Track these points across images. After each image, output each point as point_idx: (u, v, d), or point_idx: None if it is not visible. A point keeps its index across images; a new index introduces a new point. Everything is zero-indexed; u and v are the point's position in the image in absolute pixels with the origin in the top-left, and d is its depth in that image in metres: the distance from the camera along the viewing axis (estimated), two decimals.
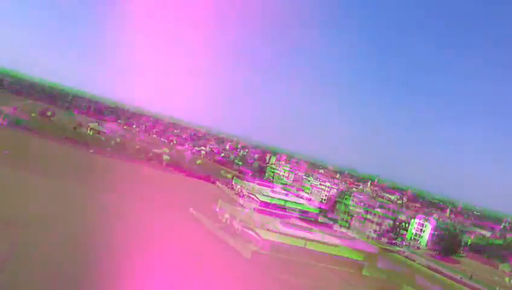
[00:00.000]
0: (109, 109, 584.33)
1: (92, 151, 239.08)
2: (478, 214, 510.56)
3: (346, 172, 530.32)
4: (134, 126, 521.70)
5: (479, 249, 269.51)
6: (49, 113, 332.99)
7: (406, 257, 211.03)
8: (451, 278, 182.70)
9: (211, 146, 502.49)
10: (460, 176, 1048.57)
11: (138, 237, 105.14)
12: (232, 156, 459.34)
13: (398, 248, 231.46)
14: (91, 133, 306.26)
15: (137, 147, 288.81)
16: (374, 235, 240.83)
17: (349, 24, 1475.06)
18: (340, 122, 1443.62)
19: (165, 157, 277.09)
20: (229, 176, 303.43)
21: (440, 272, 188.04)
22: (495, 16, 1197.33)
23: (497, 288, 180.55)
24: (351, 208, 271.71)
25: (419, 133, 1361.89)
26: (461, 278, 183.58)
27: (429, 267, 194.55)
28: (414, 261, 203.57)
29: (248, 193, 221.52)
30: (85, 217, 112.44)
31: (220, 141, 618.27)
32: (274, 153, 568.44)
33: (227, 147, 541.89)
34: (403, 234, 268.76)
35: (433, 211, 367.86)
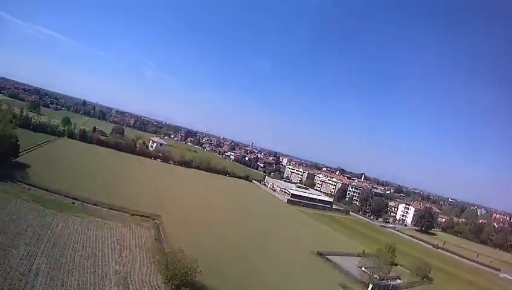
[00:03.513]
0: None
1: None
2: (449, 203, 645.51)
3: (338, 172, 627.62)
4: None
5: (450, 227, 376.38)
6: None
7: (398, 230, 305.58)
8: (430, 244, 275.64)
9: (235, 152, 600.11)
10: (436, 172, 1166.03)
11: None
12: (250, 159, 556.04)
13: (390, 225, 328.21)
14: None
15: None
16: (372, 217, 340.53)
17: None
18: (327, 128, 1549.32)
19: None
20: (259, 176, 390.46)
21: (422, 240, 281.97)
22: None
23: (458, 249, 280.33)
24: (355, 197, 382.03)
25: (392, 135, 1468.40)
26: (437, 244, 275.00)
27: (413, 237, 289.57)
28: (404, 233, 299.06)
29: (280, 188, 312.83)
30: None
31: (236, 146, 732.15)
32: (281, 157, 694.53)
33: (245, 152, 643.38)
34: (393, 216, 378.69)
35: (414, 200, 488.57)
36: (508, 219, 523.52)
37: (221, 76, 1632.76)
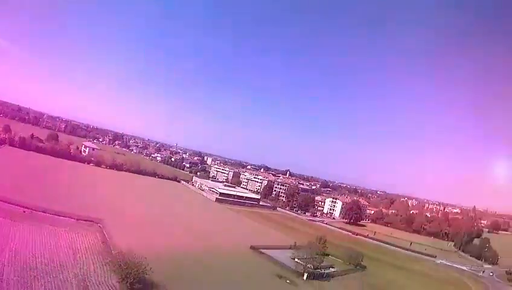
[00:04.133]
0: None
1: None
2: (378, 195, 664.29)
3: (262, 169, 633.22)
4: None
5: (379, 218, 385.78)
6: None
7: (326, 223, 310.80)
8: (360, 235, 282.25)
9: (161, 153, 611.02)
10: (363, 166, 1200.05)
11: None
12: (176, 159, 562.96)
13: (319, 219, 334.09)
14: None
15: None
16: (299, 211, 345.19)
17: None
18: (252, 127, 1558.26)
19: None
20: (186, 176, 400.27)
21: (352, 232, 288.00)
22: None
23: (390, 239, 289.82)
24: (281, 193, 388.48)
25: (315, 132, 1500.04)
26: (367, 235, 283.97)
27: (343, 229, 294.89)
28: (332, 225, 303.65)
29: (208, 187, 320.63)
30: None
31: (161, 147, 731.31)
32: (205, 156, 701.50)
33: (170, 153, 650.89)
34: (321, 210, 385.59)
35: (341, 194, 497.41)
36: (441, 208, 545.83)
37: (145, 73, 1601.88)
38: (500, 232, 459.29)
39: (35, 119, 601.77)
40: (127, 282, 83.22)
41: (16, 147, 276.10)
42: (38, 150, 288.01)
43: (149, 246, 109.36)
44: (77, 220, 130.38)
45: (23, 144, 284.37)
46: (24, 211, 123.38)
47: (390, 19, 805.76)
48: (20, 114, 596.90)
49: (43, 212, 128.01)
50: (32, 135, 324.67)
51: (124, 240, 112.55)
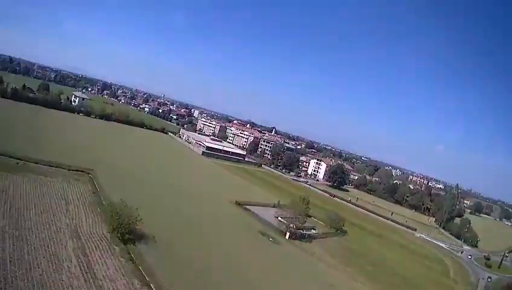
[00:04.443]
0: None
1: None
2: (362, 161, 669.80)
3: (248, 125, 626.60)
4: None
5: (363, 185, 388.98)
6: None
7: (310, 185, 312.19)
8: (342, 199, 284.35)
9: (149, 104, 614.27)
10: (350, 131, 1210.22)
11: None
12: (163, 111, 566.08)
13: (302, 179, 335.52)
14: None
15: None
16: (284, 170, 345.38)
17: None
18: (240, 82, 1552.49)
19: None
20: (173, 128, 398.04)
21: (334, 196, 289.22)
22: None
23: (372, 207, 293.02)
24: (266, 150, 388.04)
25: (308, 92, 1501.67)
26: (350, 200, 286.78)
27: (326, 192, 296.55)
28: (316, 187, 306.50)
29: (195, 140, 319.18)
30: None
31: (149, 98, 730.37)
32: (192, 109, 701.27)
33: (157, 104, 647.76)
34: (305, 170, 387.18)
35: (325, 156, 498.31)
36: (425, 182, 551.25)
37: (135, 28, 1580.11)
38: (482, 215, 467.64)
39: (26, 69, 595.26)
40: (118, 232, 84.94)
41: (7, 98, 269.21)
42: (30, 100, 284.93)
43: (138, 198, 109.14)
44: (69, 170, 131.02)
45: (15, 95, 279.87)
46: (17, 163, 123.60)
47: None
48: (11, 65, 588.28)
49: (36, 163, 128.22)
50: (24, 85, 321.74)
51: (114, 190, 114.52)
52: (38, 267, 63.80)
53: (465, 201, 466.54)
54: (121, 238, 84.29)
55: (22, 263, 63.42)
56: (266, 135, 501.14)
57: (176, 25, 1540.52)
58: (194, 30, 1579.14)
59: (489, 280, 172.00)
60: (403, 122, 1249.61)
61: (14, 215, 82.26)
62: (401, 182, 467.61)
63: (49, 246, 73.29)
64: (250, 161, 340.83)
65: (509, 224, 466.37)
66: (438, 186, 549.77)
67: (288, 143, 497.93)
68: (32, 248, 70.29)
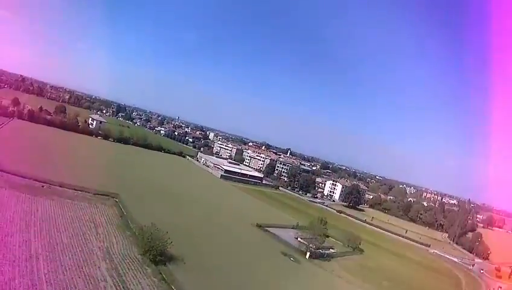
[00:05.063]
0: None
1: None
2: (376, 180, 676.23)
3: (264, 146, 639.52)
4: None
5: (378, 204, 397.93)
6: None
7: (326, 205, 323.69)
8: (358, 219, 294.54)
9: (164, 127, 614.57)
10: (364, 150, 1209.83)
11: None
12: (179, 134, 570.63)
13: (319, 200, 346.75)
14: None
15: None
16: (300, 192, 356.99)
17: None
18: (252, 102, 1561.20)
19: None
20: (190, 151, 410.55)
21: (351, 216, 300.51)
22: None
23: (387, 225, 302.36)
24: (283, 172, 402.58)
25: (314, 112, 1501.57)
26: (365, 220, 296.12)
27: (342, 212, 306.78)
28: (332, 208, 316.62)
29: (213, 164, 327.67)
30: None
31: (163, 120, 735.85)
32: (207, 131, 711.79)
33: (173, 126, 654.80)
34: (321, 191, 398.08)
35: (340, 176, 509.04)
36: (438, 198, 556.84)
37: (150, 48, 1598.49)
38: (494, 228, 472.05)
39: (40, 89, 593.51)
40: (150, 254, 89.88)
41: (24, 120, 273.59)
42: (47, 123, 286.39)
43: (163, 221, 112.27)
44: (94, 194, 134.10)
45: (32, 117, 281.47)
46: (43, 186, 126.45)
47: None
48: (24, 84, 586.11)
49: (60, 186, 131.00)
50: (41, 107, 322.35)
51: (140, 214, 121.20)
52: (75, 288, 67.69)
53: (478, 215, 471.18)
54: (152, 260, 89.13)
55: (58, 284, 67.16)
56: (282, 156, 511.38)
57: (186, 44, 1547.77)
58: (204, 49, 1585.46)
59: (499, 289, 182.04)
60: (415, 140, 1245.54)
61: (45, 238, 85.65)
62: (415, 199, 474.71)
63: (83, 267, 76.53)
64: (268, 183, 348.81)
65: None
66: (452, 201, 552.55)
67: (304, 165, 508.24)
68: (67, 269, 73.64)
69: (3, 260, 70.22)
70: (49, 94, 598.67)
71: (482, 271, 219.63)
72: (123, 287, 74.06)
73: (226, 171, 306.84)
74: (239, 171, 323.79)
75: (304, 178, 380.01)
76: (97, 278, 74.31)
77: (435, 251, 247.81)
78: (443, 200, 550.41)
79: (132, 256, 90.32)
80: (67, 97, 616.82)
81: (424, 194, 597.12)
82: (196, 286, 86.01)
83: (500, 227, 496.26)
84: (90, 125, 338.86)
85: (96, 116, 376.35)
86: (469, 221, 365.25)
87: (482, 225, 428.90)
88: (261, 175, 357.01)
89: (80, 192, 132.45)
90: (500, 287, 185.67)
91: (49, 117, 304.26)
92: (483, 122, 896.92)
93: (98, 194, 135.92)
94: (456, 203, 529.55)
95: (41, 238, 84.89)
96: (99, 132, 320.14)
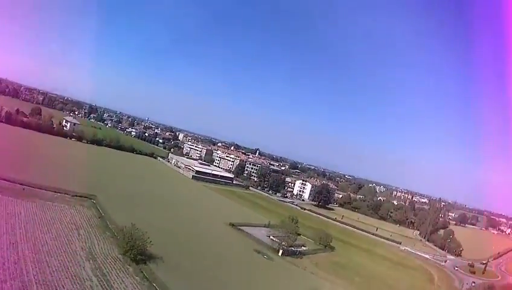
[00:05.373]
0: None
1: None
2: (346, 179, 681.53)
3: (233, 147, 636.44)
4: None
5: (347, 203, 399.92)
6: None
7: (296, 205, 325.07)
8: (328, 218, 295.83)
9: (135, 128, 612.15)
10: (332, 149, 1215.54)
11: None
12: (149, 134, 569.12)
13: (289, 200, 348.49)
14: None
15: None
16: (270, 192, 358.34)
17: None
18: (221, 103, 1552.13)
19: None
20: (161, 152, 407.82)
21: (320, 214, 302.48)
22: None
23: (357, 223, 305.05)
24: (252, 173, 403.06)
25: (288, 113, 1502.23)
26: (335, 218, 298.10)
27: (312, 211, 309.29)
28: (302, 207, 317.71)
29: (184, 165, 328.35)
30: None
31: (134, 121, 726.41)
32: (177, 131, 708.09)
33: (143, 127, 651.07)
34: (290, 191, 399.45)
35: (310, 176, 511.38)
36: (409, 197, 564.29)
37: (121, 49, 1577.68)
38: (467, 225, 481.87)
39: (15, 91, 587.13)
40: (131, 253, 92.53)
41: (2, 122, 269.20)
42: (24, 125, 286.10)
43: (141, 221, 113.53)
44: (72, 196, 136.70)
45: (9, 119, 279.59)
46: (23, 189, 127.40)
47: None
48: (0, 86, 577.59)
49: (40, 189, 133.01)
50: (18, 109, 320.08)
51: (117, 215, 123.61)
52: (64, 288, 69.90)
53: (450, 213, 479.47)
54: (133, 259, 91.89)
55: (48, 284, 69.19)
56: (251, 156, 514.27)
57: (157, 45, 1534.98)
58: (174, 50, 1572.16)
59: (473, 284, 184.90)
60: (384, 139, 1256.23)
61: (30, 240, 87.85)
62: (385, 198, 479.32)
63: (69, 267, 78.85)
64: (238, 183, 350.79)
65: (495, 232, 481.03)
66: (423, 200, 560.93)
67: (273, 165, 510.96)
68: (54, 270, 75.90)
69: None
70: (23, 96, 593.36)
71: (456, 268, 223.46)
72: (108, 285, 76.53)
73: (197, 172, 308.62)
74: (210, 172, 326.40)
75: (273, 178, 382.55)
76: (83, 278, 76.79)
77: (406, 248, 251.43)
78: (413, 198, 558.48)
79: (114, 256, 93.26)
80: (41, 99, 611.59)
81: (394, 193, 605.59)
82: (176, 283, 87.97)
83: (473, 224, 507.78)
84: (64, 128, 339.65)
85: (70, 118, 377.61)
86: (440, 219, 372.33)
87: (454, 222, 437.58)
88: (231, 175, 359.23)
89: (59, 194, 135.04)
90: (474, 282, 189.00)
91: (25, 119, 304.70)
92: (454, 121, 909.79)
93: (77, 195, 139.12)
94: (427, 201, 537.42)
95: (27, 240, 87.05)
96: (74, 133, 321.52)
